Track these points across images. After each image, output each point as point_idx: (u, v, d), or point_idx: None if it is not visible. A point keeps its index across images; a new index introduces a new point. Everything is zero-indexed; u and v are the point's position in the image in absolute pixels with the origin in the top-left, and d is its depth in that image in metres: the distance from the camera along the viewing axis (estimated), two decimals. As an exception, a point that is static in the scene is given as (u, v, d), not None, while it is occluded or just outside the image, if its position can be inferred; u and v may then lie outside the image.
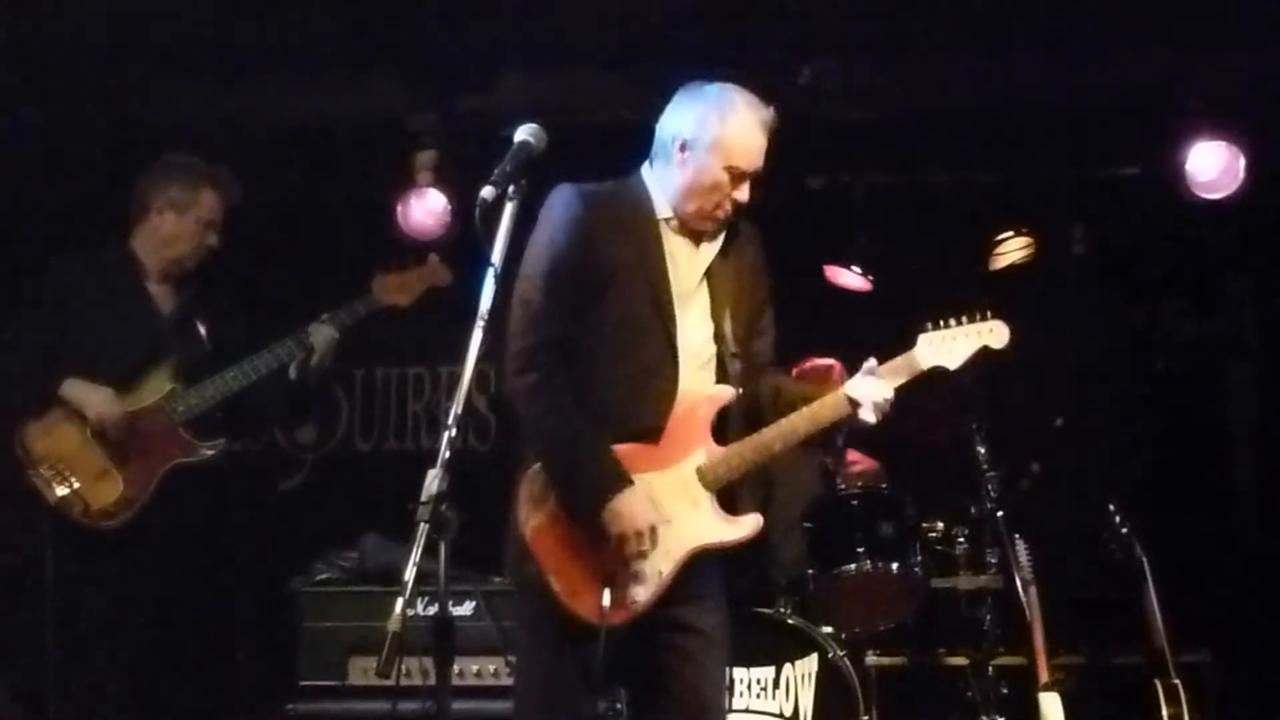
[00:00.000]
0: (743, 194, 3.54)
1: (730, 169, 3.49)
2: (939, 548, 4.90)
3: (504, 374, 3.47)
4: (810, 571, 4.81)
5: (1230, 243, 5.96)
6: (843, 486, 4.93)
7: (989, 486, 4.64)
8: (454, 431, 2.81)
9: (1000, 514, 4.58)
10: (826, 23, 5.14)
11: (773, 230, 3.71)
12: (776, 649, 4.55)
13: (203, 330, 4.68)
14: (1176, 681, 4.41)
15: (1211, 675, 4.81)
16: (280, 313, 4.80)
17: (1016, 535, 4.48)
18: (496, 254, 2.95)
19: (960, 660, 4.98)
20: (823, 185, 5.82)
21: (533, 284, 3.46)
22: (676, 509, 3.43)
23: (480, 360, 2.89)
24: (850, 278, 5.82)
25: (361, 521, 5.25)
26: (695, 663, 3.48)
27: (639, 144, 3.67)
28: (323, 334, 4.69)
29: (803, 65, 5.18)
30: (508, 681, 4.45)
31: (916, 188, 6.01)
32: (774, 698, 4.49)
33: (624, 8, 5.18)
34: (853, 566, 4.72)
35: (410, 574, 2.67)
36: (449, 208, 5.64)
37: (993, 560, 4.76)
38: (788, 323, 3.77)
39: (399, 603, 2.65)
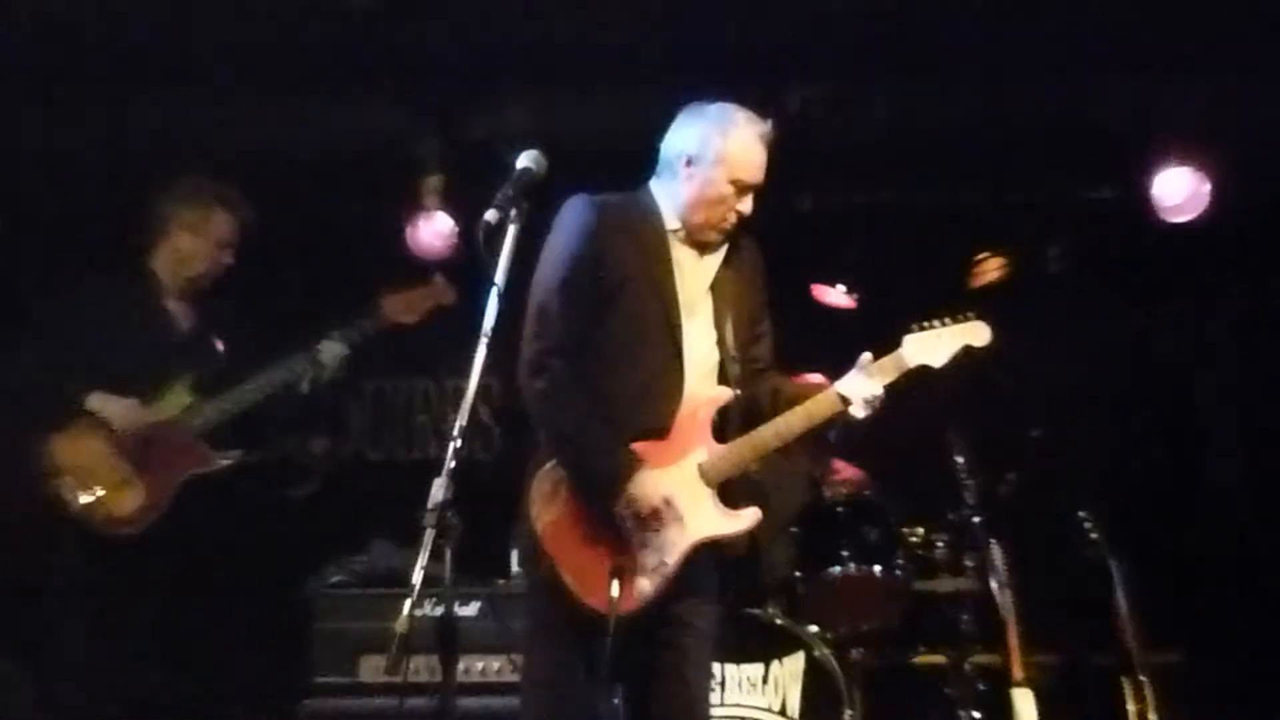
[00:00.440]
0: (746, 206, 3.59)
1: (735, 182, 3.56)
2: (920, 552, 4.92)
3: (516, 377, 3.51)
4: (798, 574, 4.84)
5: (1198, 262, 6.01)
6: (829, 495, 4.96)
7: (967, 494, 4.67)
8: (459, 443, 2.85)
9: (978, 520, 4.60)
10: (815, 52, 5.18)
11: (762, 250, 3.75)
12: (765, 647, 4.55)
13: (219, 346, 4.69)
14: (1143, 679, 4.42)
15: (1181, 675, 4.82)
16: (292, 329, 4.82)
17: (993, 540, 4.50)
18: (500, 274, 3.00)
19: (939, 658, 5.00)
20: (810, 207, 5.86)
21: (546, 290, 3.51)
22: (681, 503, 3.47)
23: (484, 374, 2.93)
24: (836, 296, 5.85)
25: (371, 527, 5.27)
26: (689, 658, 3.53)
27: (634, 167, 3.72)
28: (333, 350, 4.70)
29: (791, 92, 5.22)
30: (511, 678, 4.44)
31: (900, 209, 6.04)
32: (763, 693, 4.49)
33: (620, 38, 5.21)
34: (838, 570, 4.77)
35: (417, 577, 2.72)
36: (455, 229, 5.69)
37: (970, 564, 4.79)
38: (775, 338, 3.79)
39: (406, 604, 2.69)
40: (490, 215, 3.04)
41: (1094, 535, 4.63)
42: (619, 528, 3.44)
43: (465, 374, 2.93)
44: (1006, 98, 5.50)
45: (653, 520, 3.43)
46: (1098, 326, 6.16)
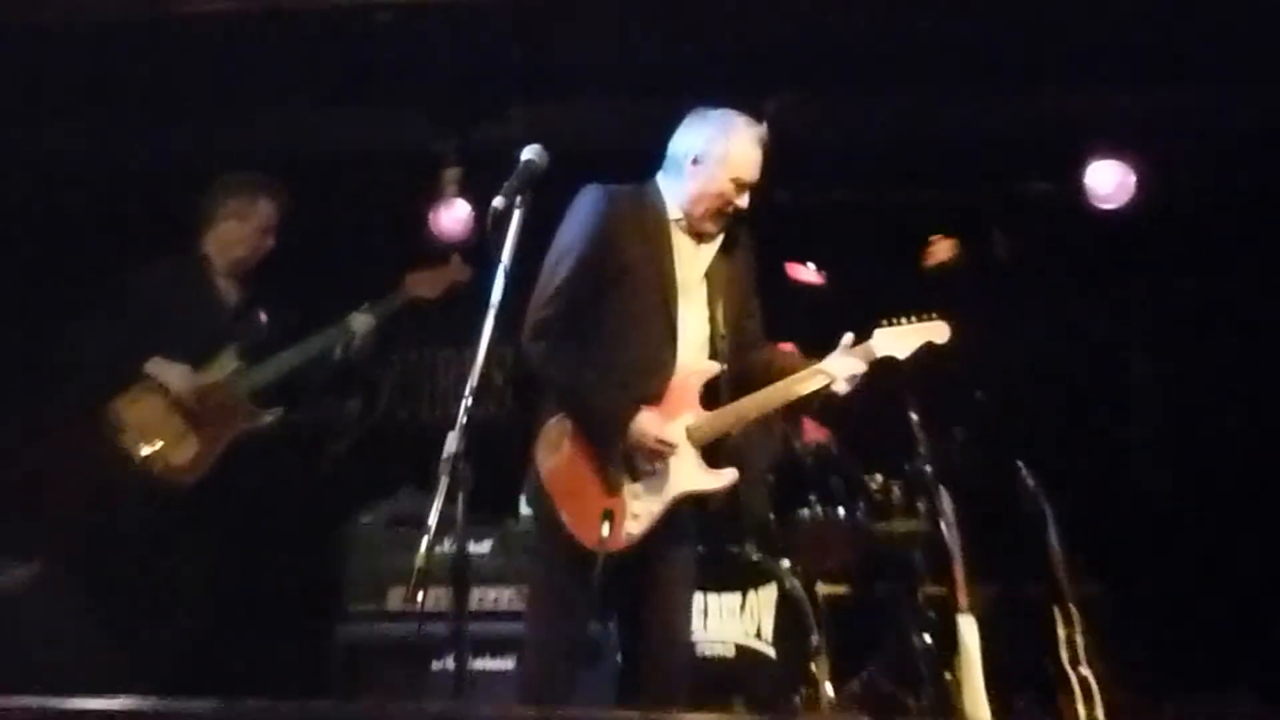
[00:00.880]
0: (743, 200, 3.66)
1: (735, 180, 3.62)
2: (878, 498, 4.89)
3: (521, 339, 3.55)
4: (772, 517, 4.87)
5: (1126, 246, 6.05)
6: (799, 448, 5.00)
7: (920, 448, 4.68)
8: (470, 401, 2.90)
9: (929, 470, 4.60)
10: (790, 63, 5.23)
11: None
12: (743, 579, 4.56)
13: (263, 318, 4.78)
14: (1072, 607, 4.47)
15: (1104, 604, 4.88)
16: (328, 304, 4.87)
17: (942, 487, 4.53)
18: (506, 255, 3.05)
19: (894, 590, 5.05)
20: (787, 198, 5.90)
21: (557, 265, 3.57)
22: (670, 458, 3.55)
23: (497, 343, 2.97)
24: (807, 273, 5.87)
25: (398, 476, 5.32)
26: (672, 590, 3.63)
27: (636, 167, 3.77)
28: (363, 322, 4.79)
29: (766, 100, 5.25)
30: (519, 607, 4.51)
31: (865, 199, 6.08)
32: (740, 619, 4.50)
33: (619, 49, 5.26)
34: (807, 513, 4.82)
35: (433, 519, 2.77)
36: (473, 214, 5.73)
37: (922, 508, 4.79)
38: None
39: (424, 541, 2.75)
40: (498, 202, 3.08)
41: (1030, 484, 4.68)
42: (612, 476, 3.51)
43: (479, 343, 2.96)
44: (959, 104, 5.52)
45: (655, 457, 3.51)
46: (1038, 304, 6.19)
